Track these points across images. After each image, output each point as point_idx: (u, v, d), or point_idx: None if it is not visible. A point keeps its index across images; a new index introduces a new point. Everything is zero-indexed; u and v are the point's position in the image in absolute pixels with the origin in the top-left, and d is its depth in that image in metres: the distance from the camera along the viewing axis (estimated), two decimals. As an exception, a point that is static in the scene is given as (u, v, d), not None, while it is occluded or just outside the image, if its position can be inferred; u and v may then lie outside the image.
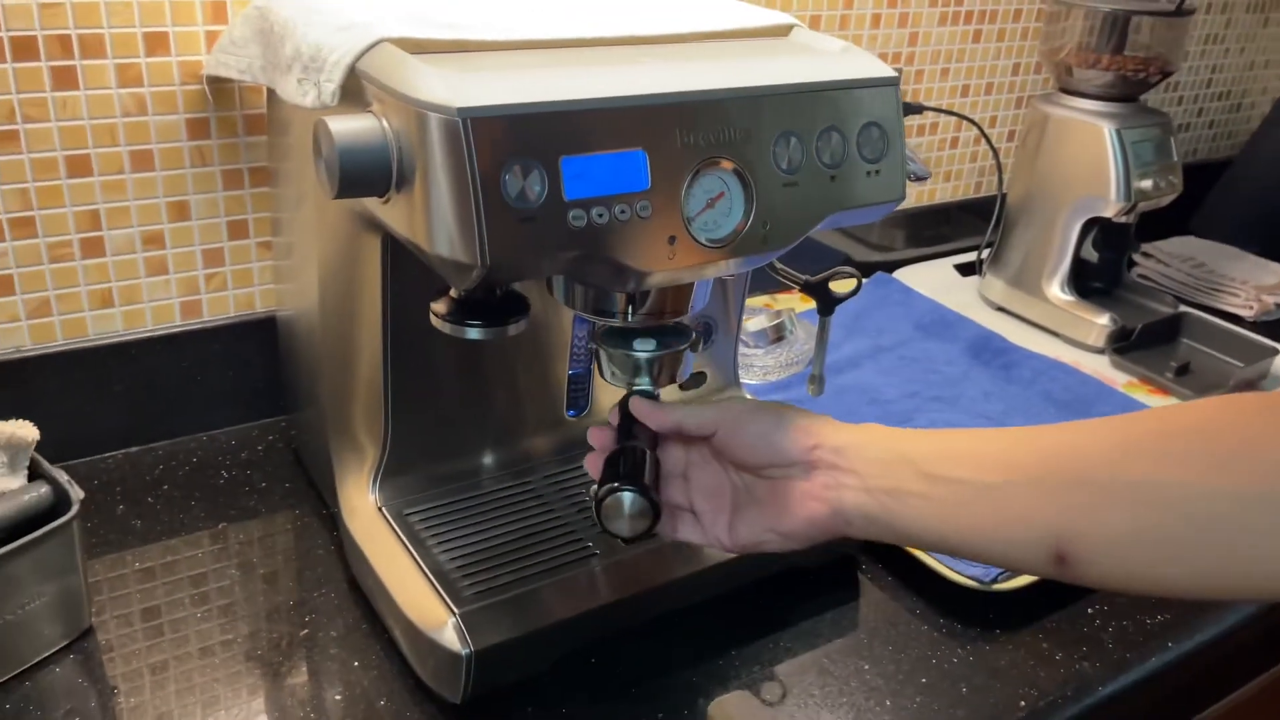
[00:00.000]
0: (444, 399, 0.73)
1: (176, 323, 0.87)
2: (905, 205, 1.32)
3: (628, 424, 0.60)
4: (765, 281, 1.07)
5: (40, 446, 0.67)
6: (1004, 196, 1.20)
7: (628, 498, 0.55)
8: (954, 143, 1.32)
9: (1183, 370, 1.08)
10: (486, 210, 0.48)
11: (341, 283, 0.69)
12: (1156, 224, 1.28)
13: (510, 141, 0.48)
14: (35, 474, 0.67)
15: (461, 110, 0.47)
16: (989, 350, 1.08)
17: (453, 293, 0.60)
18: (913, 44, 1.21)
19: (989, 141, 1.12)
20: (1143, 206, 1.10)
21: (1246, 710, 0.89)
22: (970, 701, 0.66)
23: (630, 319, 0.59)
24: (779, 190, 0.56)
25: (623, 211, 0.51)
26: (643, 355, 0.60)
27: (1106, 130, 1.08)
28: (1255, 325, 1.21)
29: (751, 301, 1.14)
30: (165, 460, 0.86)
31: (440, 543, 0.68)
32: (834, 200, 0.58)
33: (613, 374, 0.62)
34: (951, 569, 0.74)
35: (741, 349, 0.97)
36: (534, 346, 0.75)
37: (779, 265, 0.84)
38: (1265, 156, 1.49)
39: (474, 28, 0.57)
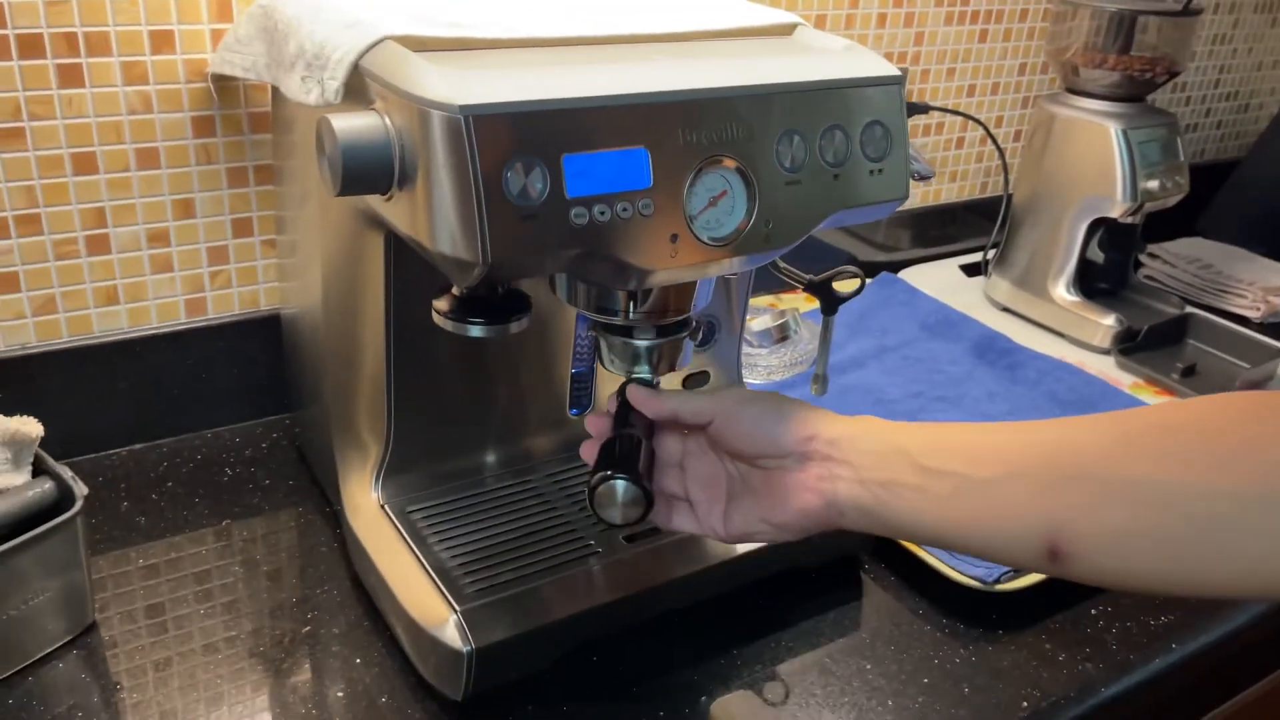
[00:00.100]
0: (447, 397, 0.73)
1: (181, 320, 0.87)
2: (911, 205, 1.32)
3: (624, 412, 0.60)
4: (770, 281, 1.07)
5: (45, 443, 0.67)
6: (1010, 197, 1.19)
7: (620, 485, 0.55)
8: (960, 143, 1.32)
9: (1189, 371, 1.07)
10: (488, 208, 0.48)
11: (345, 280, 0.69)
12: (1163, 225, 1.28)
13: (512, 139, 0.48)
14: (40, 470, 0.67)
15: (464, 108, 0.47)
16: (994, 350, 1.08)
17: (455, 290, 0.60)
18: (919, 43, 1.21)
19: (995, 141, 1.12)
20: (1149, 207, 1.10)
21: (1252, 712, 0.89)
22: (972, 702, 0.66)
23: (632, 317, 0.59)
24: (781, 189, 0.56)
25: (625, 209, 0.51)
26: (642, 344, 0.60)
27: (1113, 130, 1.07)
28: (1262, 327, 1.20)
29: (756, 301, 1.14)
30: (170, 457, 0.87)
31: (442, 540, 0.69)
32: (837, 199, 0.58)
33: (612, 361, 0.62)
34: (954, 569, 0.74)
35: (746, 348, 0.97)
36: (537, 345, 0.75)
37: (782, 264, 0.84)
38: (1273, 157, 1.48)
39: (477, 26, 0.57)
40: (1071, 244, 1.14)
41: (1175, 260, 1.33)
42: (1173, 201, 1.11)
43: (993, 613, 0.73)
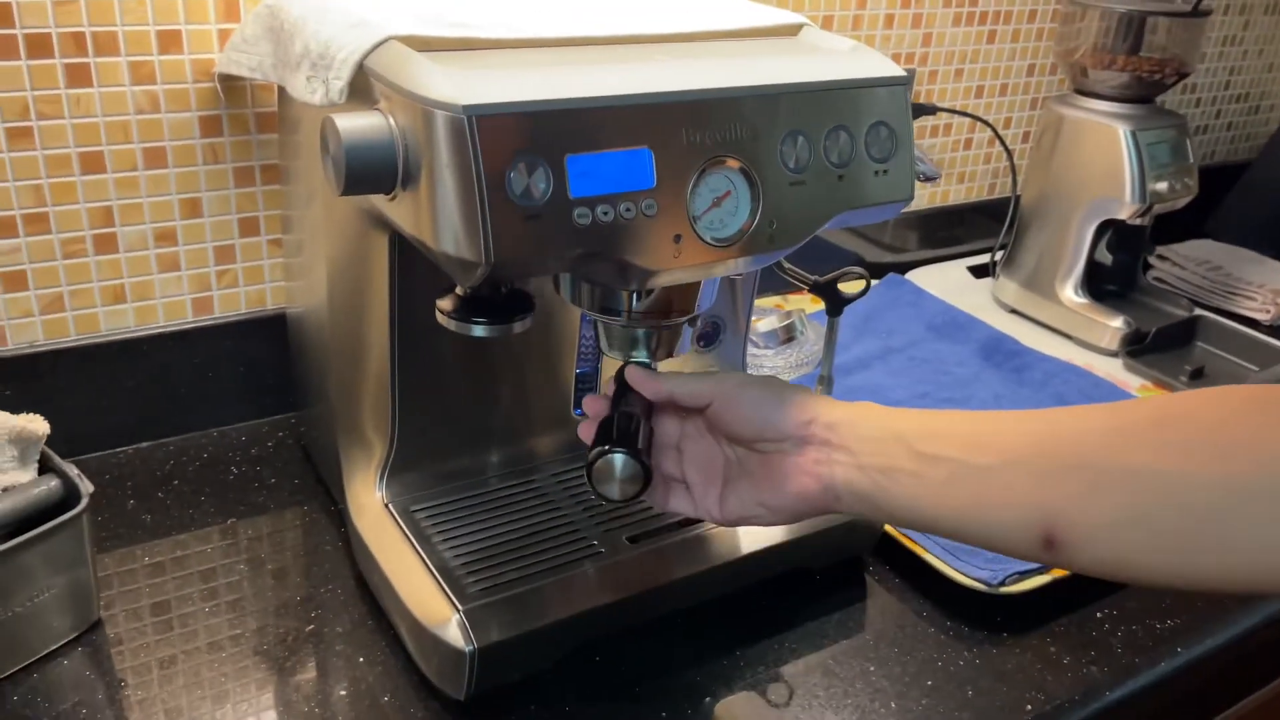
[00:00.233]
0: (451, 396, 0.73)
1: (188, 319, 0.88)
2: (919, 206, 1.32)
3: (622, 392, 0.60)
4: (776, 282, 1.07)
5: (52, 441, 0.68)
6: (1018, 198, 1.19)
7: (619, 460, 0.55)
8: (968, 144, 1.32)
9: (1197, 374, 1.07)
10: (491, 208, 0.48)
11: (350, 280, 0.69)
12: (1172, 226, 1.27)
13: (516, 139, 0.48)
14: (46, 468, 0.67)
15: (467, 108, 0.47)
16: (1001, 352, 1.08)
17: (459, 290, 0.60)
18: (926, 44, 1.21)
19: (1003, 143, 1.12)
20: (1158, 209, 1.09)
21: (1258, 717, 0.88)
22: (976, 705, 0.65)
23: (633, 316, 0.59)
24: (786, 189, 0.56)
25: (628, 210, 0.51)
26: (640, 329, 0.60)
27: (1121, 132, 1.07)
28: (1271, 329, 1.20)
29: (762, 302, 1.14)
30: (176, 455, 0.87)
31: (446, 540, 0.69)
32: (841, 200, 0.58)
33: (610, 346, 0.61)
34: (959, 571, 0.74)
35: (751, 349, 0.97)
36: (541, 344, 0.75)
37: (787, 265, 0.84)
38: (1284, 159, 1.47)
39: (482, 26, 0.57)
40: (1080, 245, 1.13)
41: (1184, 262, 1.33)
42: (1182, 203, 1.11)
43: (997, 615, 0.73)
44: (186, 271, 0.86)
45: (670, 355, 0.62)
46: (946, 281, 1.25)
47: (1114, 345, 1.11)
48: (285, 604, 0.71)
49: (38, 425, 0.66)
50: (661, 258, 0.53)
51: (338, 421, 0.74)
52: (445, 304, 0.60)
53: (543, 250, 0.50)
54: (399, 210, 0.52)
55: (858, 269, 0.83)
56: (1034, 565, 0.74)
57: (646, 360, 0.61)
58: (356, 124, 0.50)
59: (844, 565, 0.77)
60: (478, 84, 0.48)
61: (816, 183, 0.57)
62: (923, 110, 1.17)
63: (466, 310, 0.60)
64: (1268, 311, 1.23)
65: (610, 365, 0.63)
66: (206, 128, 0.82)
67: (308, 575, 0.74)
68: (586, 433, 0.59)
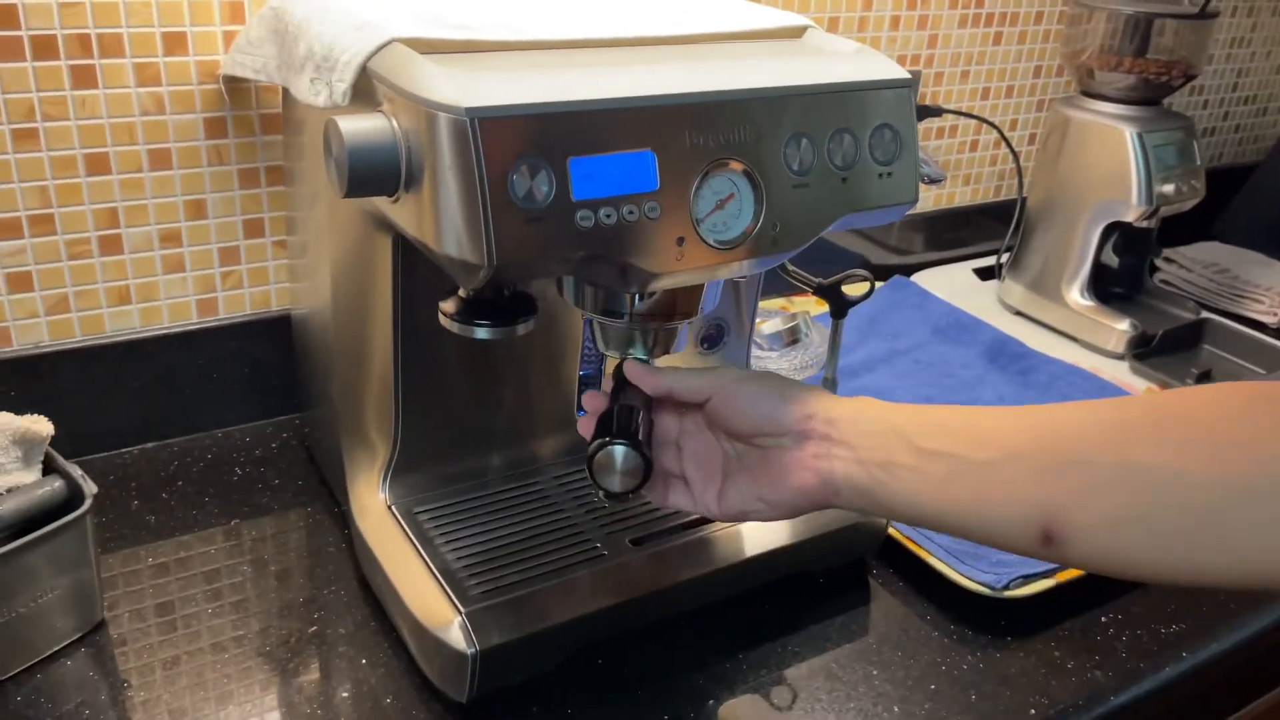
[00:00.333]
0: (454, 399, 0.73)
1: (193, 320, 0.88)
2: (924, 208, 1.32)
3: (621, 387, 0.60)
4: (781, 284, 1.07)
5: (56, 441, 0.68)
6: (1024, 200, 1.19)
7: (619, 451, 0.54)
8: (974, 145, 1.31)
9: (1204, 377, 1.06)
10: (494, 210, 0.48)
11: (353, 282, 0.69)
12: (1179, 229, 1.26)
13: (518, 141, 0.48)
14: (50, 469, 0.68)
15: (470, 110, 0.47)
16: (1006, 354, 1.08)
17: (461, 292, 0.60)
18: (932, 46, 1.21)
19: (1009, 145, 1.12)
20: (1164, 211, 1.09)
21: (1264, 722, 0.88)
22: (979, 709, 0.65)
23: (635, 317, 0.59)
24: (789, 192, 0.55)
25: (631, 212, 0.51)
26: (636, 327, 0.60)
27: (1128, 134, 1.07)
28: (1278, 332, 1.19)
29: (767, 304, 1.14)
30: (180, 456, 0.87)
31: (448, 542, 0.69)
32: (845, 202, 0.58)
33: (607, 344, 0.61)
34: (963, 575, 0.73)
35: (756, 351, 0.97)
36: (545, 347, 0.75)
37: (791, 268, 0.84)
38: (1292, 161, 1.47)
39: (485, 28, 0.57)
40: (1086, 248, 1.13)
41: (1191, 265, 1.32)
42: (1189, 206, 1.10)
43: (1001, 619, 0.72)
44: (191, 273, 0.86)
45: (667, 352, 0.62)
46: (952, 284, 1.24)
47: (1120, 348, 1.11)
48: (288, 605, 0.71)
49: (42, 426, 0.67)
50: (664, 260, 0.52)
51: (341, 423, 0.74)
52: (448, 306, 0.60)
53: (545, 253, 0.50)
54: (402, 212, 0.52)
55: (862, 271, 0.83)
56: (1038, 569, 0.74)
57: (644, 358, 0.61)
58: (359, 126, 0.50)
59: (847, 568, 0.77)
60: (480, 86, 0.48)
61: (820, 185, 0.56)
62: (928, 112, 1.17)
63: (469, 312, 0.60)
64: (1275, 314, 1.22)
65: (612, 365, 0.63)
66: (211, 129, 0.82)
67: (311, 576, 0.74)
68: (586, 428, 0.59)
